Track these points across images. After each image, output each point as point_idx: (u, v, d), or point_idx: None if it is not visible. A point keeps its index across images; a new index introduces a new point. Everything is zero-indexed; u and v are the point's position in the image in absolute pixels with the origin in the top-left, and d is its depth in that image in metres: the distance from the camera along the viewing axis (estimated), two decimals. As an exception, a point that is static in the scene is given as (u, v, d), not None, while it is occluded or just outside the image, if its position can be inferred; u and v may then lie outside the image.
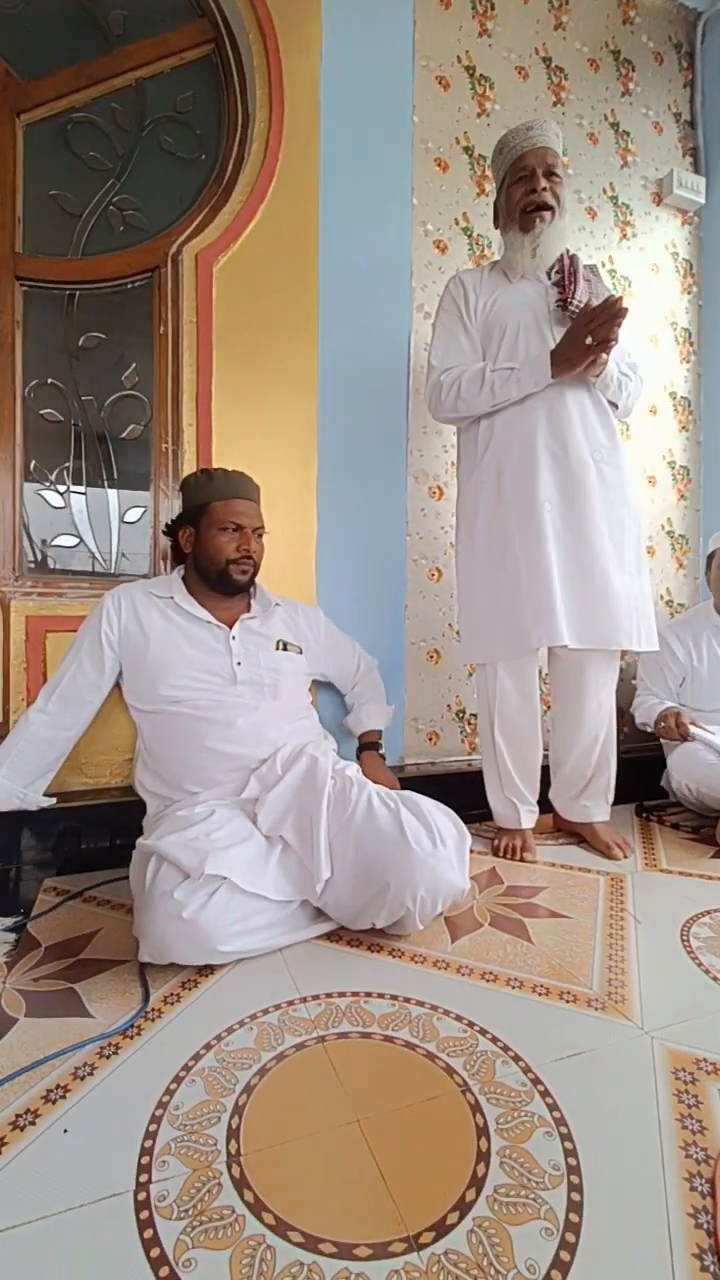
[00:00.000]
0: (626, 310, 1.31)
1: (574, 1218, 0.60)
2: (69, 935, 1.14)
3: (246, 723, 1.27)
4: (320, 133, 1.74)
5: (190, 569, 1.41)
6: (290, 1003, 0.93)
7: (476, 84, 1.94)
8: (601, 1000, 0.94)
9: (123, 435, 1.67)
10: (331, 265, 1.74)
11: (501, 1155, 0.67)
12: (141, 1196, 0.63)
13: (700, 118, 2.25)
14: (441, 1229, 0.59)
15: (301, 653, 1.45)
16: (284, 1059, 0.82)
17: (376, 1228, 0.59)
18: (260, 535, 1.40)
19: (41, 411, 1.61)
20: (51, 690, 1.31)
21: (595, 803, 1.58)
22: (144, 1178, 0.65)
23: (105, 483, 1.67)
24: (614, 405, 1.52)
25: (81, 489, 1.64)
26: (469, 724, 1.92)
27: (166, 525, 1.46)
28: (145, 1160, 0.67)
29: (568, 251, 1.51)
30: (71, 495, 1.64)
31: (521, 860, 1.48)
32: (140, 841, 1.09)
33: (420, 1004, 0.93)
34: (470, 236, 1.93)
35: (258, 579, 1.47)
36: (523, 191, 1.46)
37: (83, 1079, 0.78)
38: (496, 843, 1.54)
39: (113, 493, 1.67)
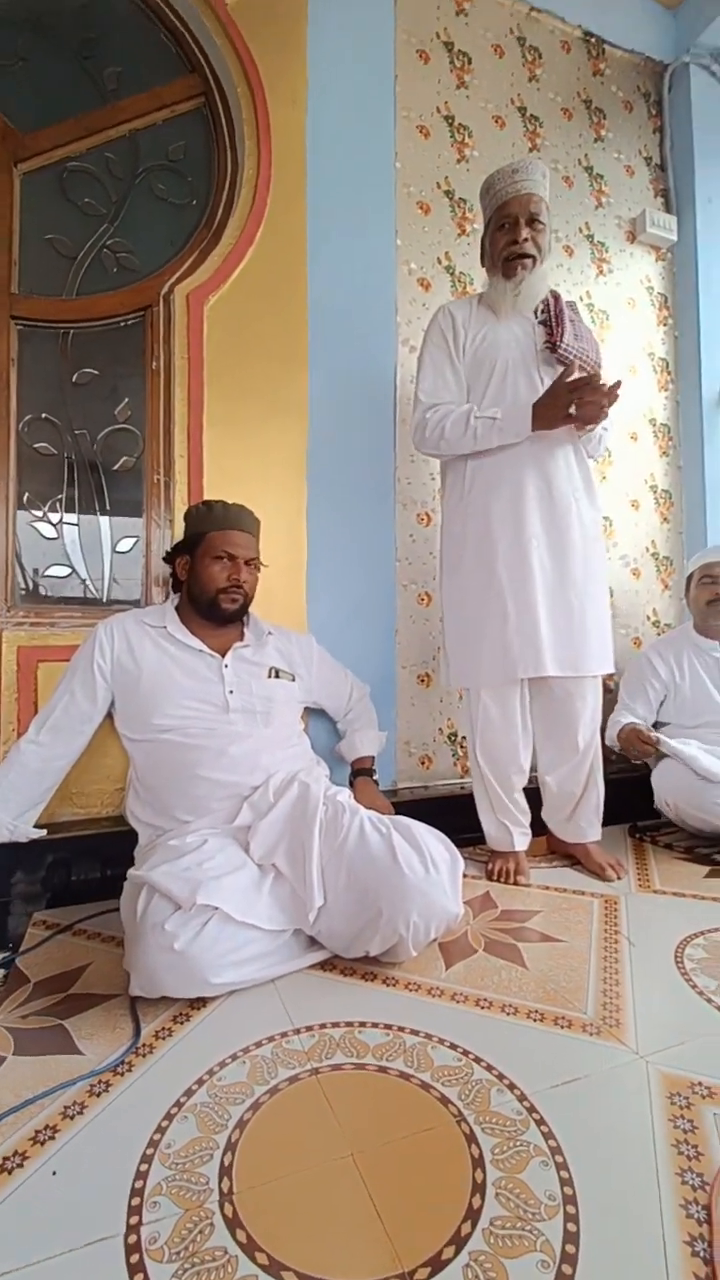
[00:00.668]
0: (618, 396, 1.40)
1: (570, 1249, 0.60)
2: (58, 970, 1.13)
3: (239, 750, 1.27)
4: (307, 178, 1.81)
5: (185, 597, 1.42)
6: (283, 1034, 0.93)
7: (456, 132, 2.03)
8: (596, 1025, 0.94)
9: (115, 467, 1.70)
10: (319, 302, 1.80)
11: (497, 1186, 0.66)
12: (132, 1239, 0.62)
13: (670, 161, 2.36)
14: (437, 1265, 0.58)
15: (294, 680, 1.46)
16: (277, 1092, 0.81)
17: (372, 1265, 0.58)
18: (255, 567, 1.42)
19: (35, 445, 1.64)
20: (43, 721, 1.31)
21: (588, 821, 1.58)
22: (134, 1220, 0.64)
23: (98, 512, 1.69)
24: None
25: (74, 520, 1.67)
26: (461, 747, 1.93)
27: (166, 553, 1.48)
28: (136, 1201, 0.66)
29: (553, 292, 1.57)
30: (64, 526, 1.66)
31: (515, 883, 1.48)
32: (131, 872, 1.09)
33: (415, 1033, 0.92)
34: (452, 274, 2.00)
35: (251, 608, 1.50)
36: (505, 240, 1.52)
37: (72, 1118, 0.77)
38: (490, 866, 1.54)
39: (105, 522, 1.70)
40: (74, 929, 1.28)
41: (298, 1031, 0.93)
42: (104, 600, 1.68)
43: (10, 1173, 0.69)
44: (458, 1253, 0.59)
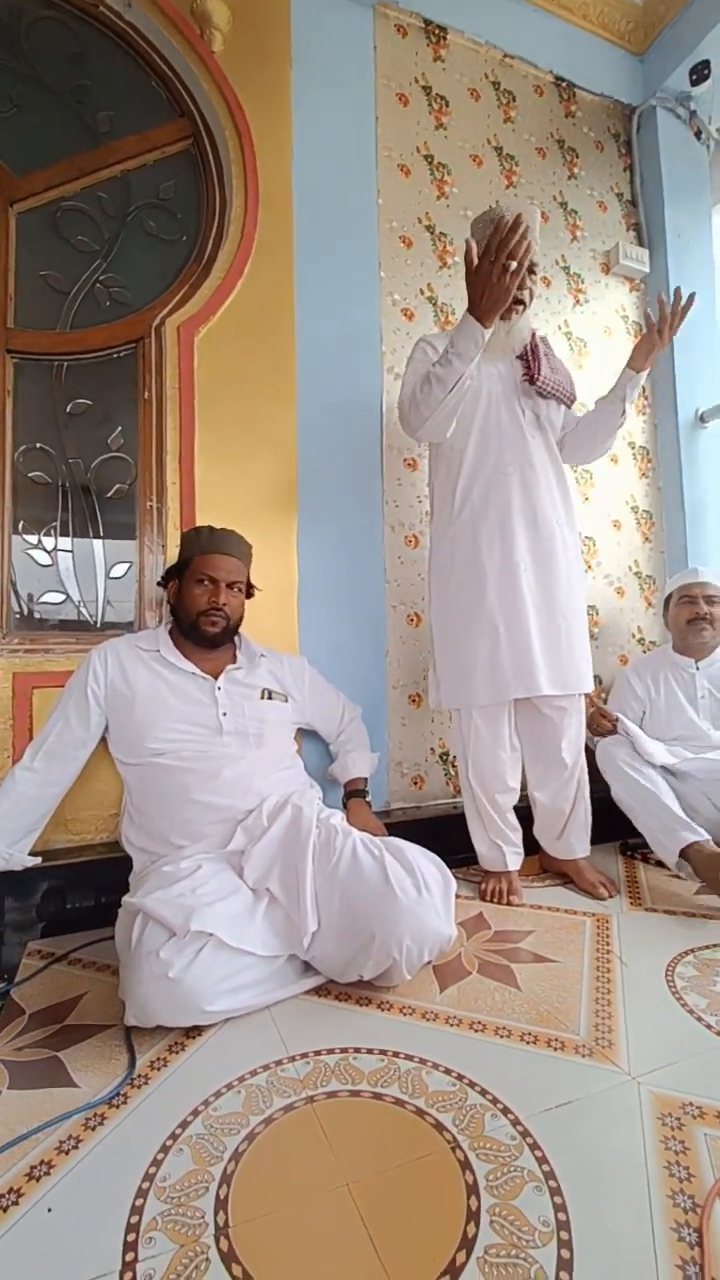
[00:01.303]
0: (522, 224, 1.29)
1: (564, 1276, 0.60)
2: (53, 1001, 1.12)
3: (232, 773, 1.28)
4: (293, 214, 1.87)
5: (176, 621, 1.45)
6: (278, 1062, 0.93)
7: (435, 170, 2.11)
8: (589, 1047, 0.95)
9: (109, 494, 1.73)
10: (307, 333, 1.85)
11: (491, 1213, 0.67)
12: (128, 1276, 0.62)
13: (640, 197, 2.45)
14: (432, 1294, 0.59)
15: (287, 701, 1.48)
16: (272, 1122, 0.81)
17: (367, 1296, 0.59)
18: (238, 590, 1.44)
19: (30, 474, 1.67)
20: (38, 747, 1.32)
21: (577, 837, 1.61)
22: (130, 1256, 0.64)
23: (92, 538, 1.71)
24: (575, 460, 1.64)
25: (69, 546, 1.69)
26: (452, 767, 1.94)
27: (160, 578, 1.51)
28: (131, 1237, 0.66)
29: (534, 331, 1.63)
30: (59, 554, 1.68)
31: (508, 903, 1.49)
32: (126, 899, 1.09)
33: (409, 1058, 0.93)
34: (435, 305, 2.06)
35: (243, 631, 1.52)
36: None
37: (67, 1153, 0.77)
38: (483, 887, 1.55)
39: (99, 548, 1.72)
40: (69, 958, 1.27)
41: (293, 1059, 0.93)
42: (98, 625, 1.70)
43: (5, 1210, 0.69)
44: (453, 1280, 0.60)
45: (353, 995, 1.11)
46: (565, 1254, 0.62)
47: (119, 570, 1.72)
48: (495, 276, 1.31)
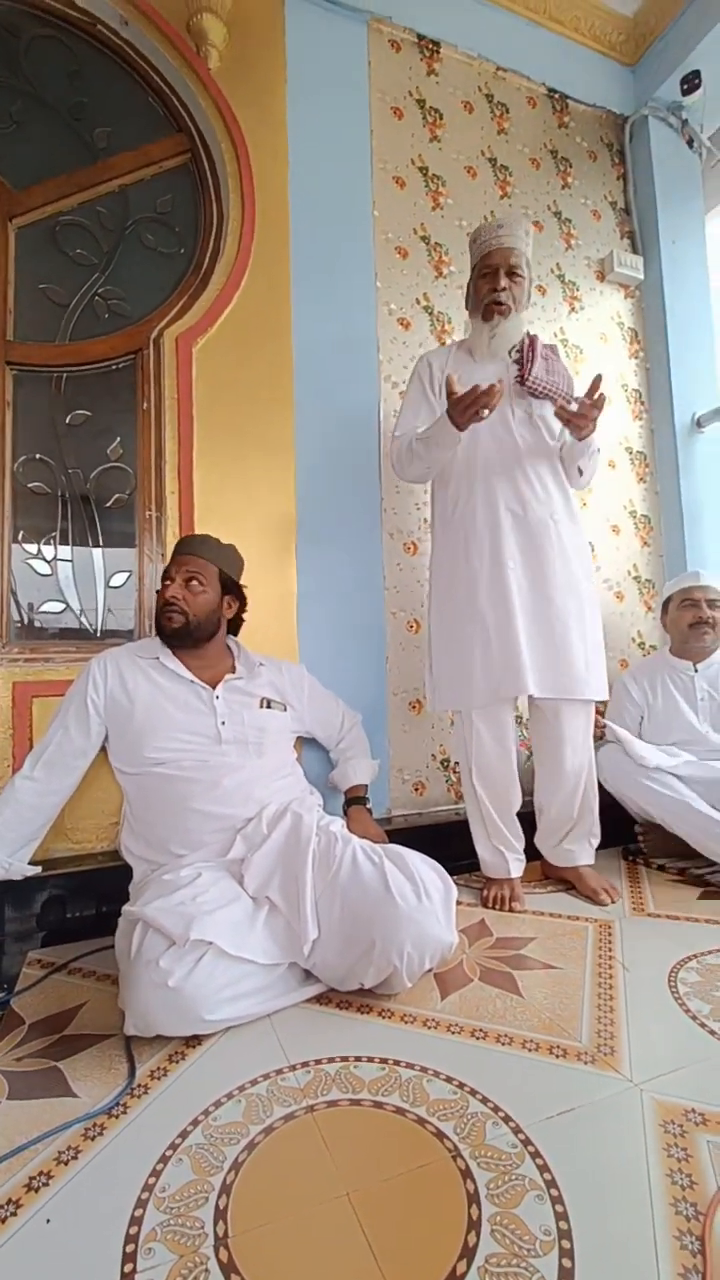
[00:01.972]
0: (496, 394, 1.39)
1: (566, 1284, 0.60)
2: (53, 1010, 1.12)
3: (232, 782, 1.28)
4: (290, 226, 1.90)
5: None
6: (279, 1071, 0.92)
7: (430, 182, 2.14)
8: (591, 1054, 0.94)
9: (108, 503, 1.74)
10: (304, 342, 1.87)
11: (493, 1222, 0.66)
12: (127, 1288, 0.61)
13: (634, 206, 2.48)
14: (433, 1304, 0.58)
15: (286, 710, 1.48)
16: (272, 1132, 0.80)
17: (367, 1307, 0.58)
18: (195, 583, 1.38)
19: (30, 484, 1.68)
20: (38, 757, 1.32)
21: (579, 846, 1.59)
22: (129, 1268, 0.63)
23: (91, 547, 1.72)
24: (579, 471, 1.63)
25: (68, 556, 1.70)
26: (454, 773, 1.94)
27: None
28: (130, 1249, 0.65)
29: (529, 334, 1.64)
30: (59, 563, 1.69)
31: (510, 910, 1.48)
32: (126, 908, 1.09)
33: (410, 1066, 0.92)
34: (431, 314, 2.08)
35: (240, 640, 1.52)
36: (487, 288, 1.61)
37: (66, 1163, 0.77)
38: (485, 893, 1.54)
39: (99, 557, 1.73)
40: (69, 967, 1.27)
41: (293, 1068, 0.93)
42: (98, 634, 1.70)
43: (4, 1221, 0.69)
44: (454, 1291, 0.59)
45: (353, 1003, 1.10)
46: (566, 1263, 0.62)
47: (119, 579, 1.73)
48: (471, 413, 1.43)
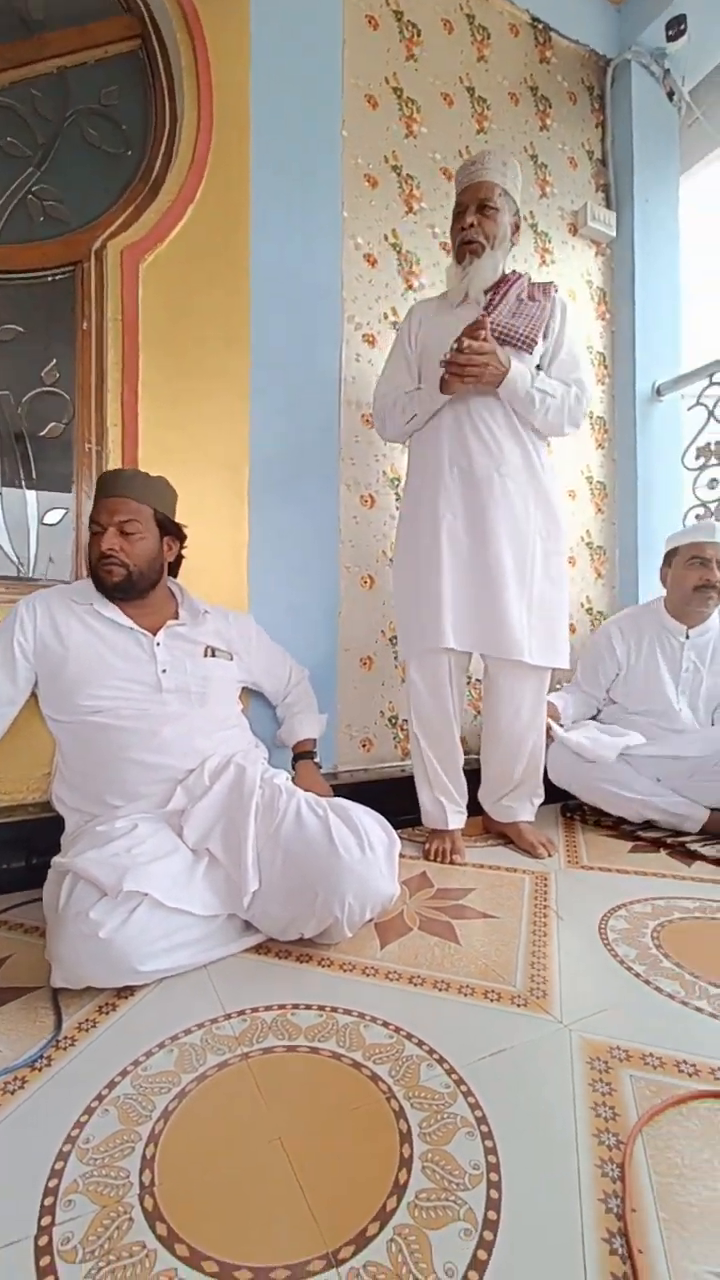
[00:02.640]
0: (476, 346, 1.37)
1: (492, 1215, 0.61)
2: (-26, 965, 1.06)
3: (172, 732, 1.23)
4: (251, 137, 1.73)
5: None
6: (214, 1020, 0.90)
7: (404, 105, 1.99)
8: (524, 997, 0.96)
9: (43, 434, 1.59)
10: (263, 270, 1.74)
11: (424, 1159, 0.67)
12: (43, 1241, 0.59)
13: (610, 157, 2.40)
14: (361, 1241, 0.58)
15: (232, 659, 1.42)
16: (205, 1079, 0.79)
17: (296, 1248, 0.58)
18: (129, 531, 1.27)
19: (-50, 406, 1.52)
20: (-40, 704, 1.22)
21: (519, 804, 1.63)
22: (46, 1220, 0.61)
23: (23, 483, 1.58)
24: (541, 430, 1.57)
25: (-4, 490, 1.56)
26: (402, 730, 1.94)
27: None
28: (49, 1201, 0.63)
29: (514, 272, 1.55)
30: (-16, 496, 1.55)
31: (451, 862, 1.51)
32: (56, 860, 1.04)
33: (348, 1012, 0.92)
34: (399, 252, 1.97)
35: (185, 586, 1.44)
36: (457, 227, 1.53)
37: (-18, 1120, 0.73)
38: (427, 846, 1.56)
39: (31, 494, 1.59)
40: (-7, 922, 1.21)
41: (229, 1017, 0.91)
42: (31, 576, 1.58)
43: None
44: (382, 1228, 0.59)
45: (293, 953, 1.09)
46: (494, 1194, 0.63)
47: (53, 517, 1.60)
48: (457, 381, 1.42)
